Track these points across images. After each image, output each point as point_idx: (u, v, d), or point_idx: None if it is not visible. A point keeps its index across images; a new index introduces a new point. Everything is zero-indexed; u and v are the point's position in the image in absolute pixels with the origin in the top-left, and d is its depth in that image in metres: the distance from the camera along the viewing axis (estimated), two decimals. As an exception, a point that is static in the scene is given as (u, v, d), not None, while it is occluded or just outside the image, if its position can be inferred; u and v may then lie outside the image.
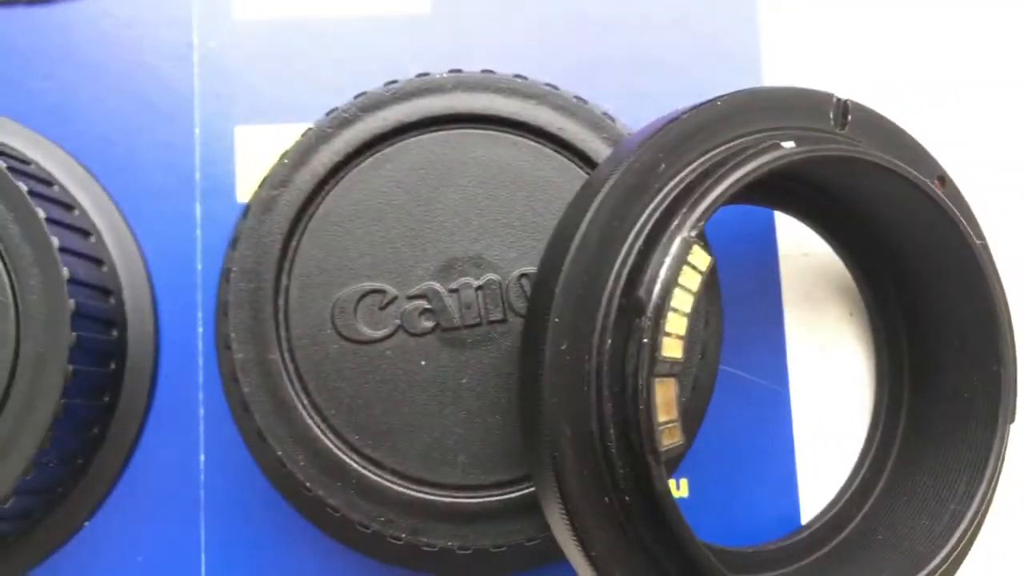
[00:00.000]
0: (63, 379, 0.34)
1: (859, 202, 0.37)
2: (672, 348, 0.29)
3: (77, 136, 0.41)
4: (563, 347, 0.30)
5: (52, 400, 0.34)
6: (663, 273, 0.29)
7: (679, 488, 0.39)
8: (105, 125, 0.41)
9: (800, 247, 0.41)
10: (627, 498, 0.30)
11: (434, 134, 0.36)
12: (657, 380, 0.28)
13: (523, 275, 0.35)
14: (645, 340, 0.29)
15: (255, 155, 0.41)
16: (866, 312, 0.40)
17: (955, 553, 0.34)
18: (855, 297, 0.41)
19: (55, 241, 0.35)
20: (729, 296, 0.39)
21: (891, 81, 0.42)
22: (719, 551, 0.36)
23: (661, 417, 0.29)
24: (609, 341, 0.30)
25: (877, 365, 0.40)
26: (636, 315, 0.29)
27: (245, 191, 0.41)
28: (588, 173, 0.36)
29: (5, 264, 0.35)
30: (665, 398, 0.29)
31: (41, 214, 0.35)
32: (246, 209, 0.36)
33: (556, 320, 0.30)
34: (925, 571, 0.33)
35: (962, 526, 0.34)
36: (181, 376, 0.40)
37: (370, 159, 0.36)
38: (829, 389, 0.40)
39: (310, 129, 0.36)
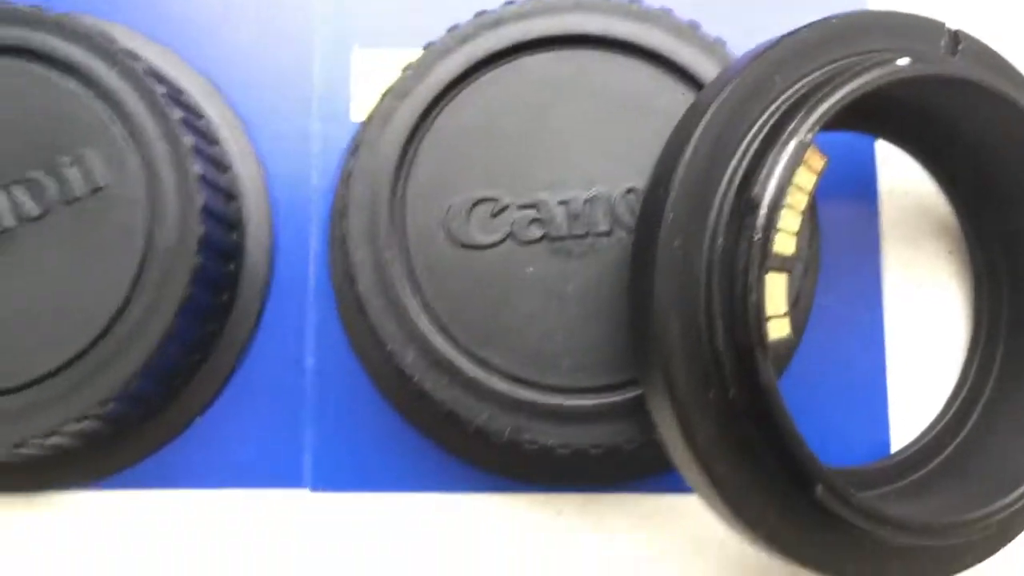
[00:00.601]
0: (191, 269, 0.36)
1: (968, 134, 0.37)
2: (784, 244, 0.30)
3: (204, 53, 0.43)
4: (675, 244, 0.31)
5: (180, 287, 0.36)
6: (779, 170, 0.30)
7: (771, 410, 0.40)
8: (230, 43, 0.43)
9: (901, 182, 0.41)
10: (732, 392, 0.31)
11: (550, 53, 0.38)
12: (768, 273, 0.29)
13: (630, 190, 0.37)
14: (758, 235, 0.30)
15: (371, 77, 0.42)
16: (966, 250, 0.41)
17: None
18: (955, 235, 0.41)
19: (188, 140, 0.37)
20: (827, 227, 0.40)
21: (996, 15, 0.42)
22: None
23: (769, 310, 0.30)
24: (721, 239, 0.31)
25: (975, 302, 0.40)
26: (750, 211, 0.30)
27: (360, 111, 0.42)
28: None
29: (142, 159, 0.37)
30: (775, 291, 0.30)
31: (176, 114, 0.37)
32: (368, 117, 0.38)
33: (670, 218, 0.31)
34: (1017, 492, 0.34)
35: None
36: (293, 282, 0.41)
37: (487, 75, 0.38)
38: (924, 323, 0.41)
39: (431, 44, 0.38)
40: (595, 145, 0.37)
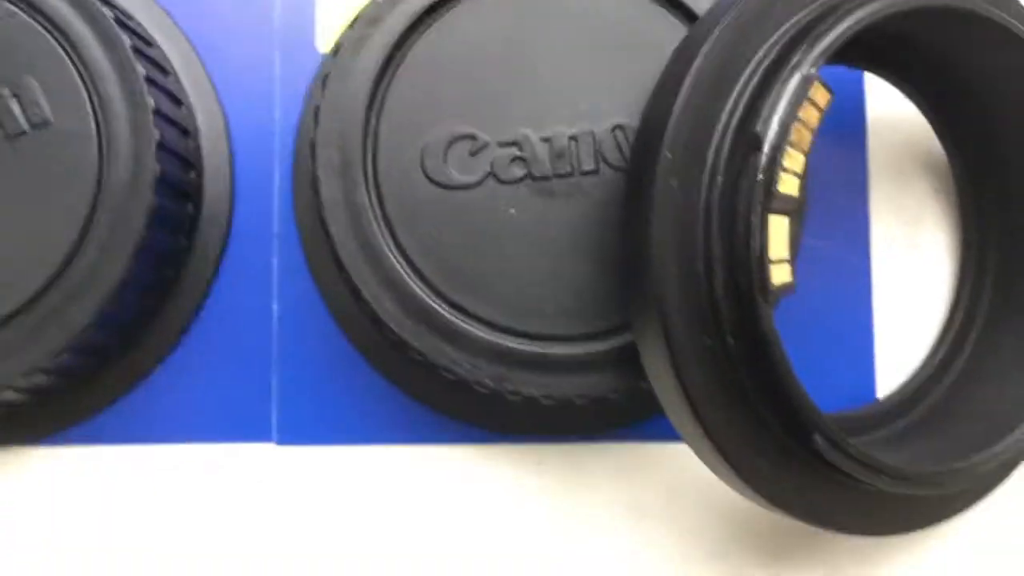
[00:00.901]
0: (147, 210, 0.34)
1: (963, 69, 0.36)
2: (788, 185, 0.28)
3: (153, -24, 0.40)
4: (672, 184, 0.29)
5: (136, 230, 0.34)
6: (782, 108, 0.28)
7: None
8: (182, -34, 0.40)
9: (890, 119, 0.40)
10: (729, 339, 0.29)
11: (533, -20, 0.36)
12: (771, 215, 0.28)
13: (617, 126, 0.35)
14: (761, 175, 0.28)
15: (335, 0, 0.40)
16: (955, 189, 0.40)
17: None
18: (943, 172, 0.40)
19: (141, 70, 0.34)
20: (814, 165, 0.38)
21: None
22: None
23: (772, 254, 0.28)
24: (721, 178, 0.29)
25: (963, 240, 0.40)
26: (753, 150, 0.28)
27: (325, 37, 0.40)
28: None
29: (91, 91, 0.34)
30: (777, 234, 0.28)
31: (127, 41, 0.34)
32: (336, 47, 0.35)
33: (667, 156, 0.29)
34: (1011, 437, 0.33)
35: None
36: (256, 224, 0.39)
37: (467, 2, 0.35)
38: (912, 264, 0.40)
39: (403, -33, 0.35)
40: (580, 78, 0.35)
